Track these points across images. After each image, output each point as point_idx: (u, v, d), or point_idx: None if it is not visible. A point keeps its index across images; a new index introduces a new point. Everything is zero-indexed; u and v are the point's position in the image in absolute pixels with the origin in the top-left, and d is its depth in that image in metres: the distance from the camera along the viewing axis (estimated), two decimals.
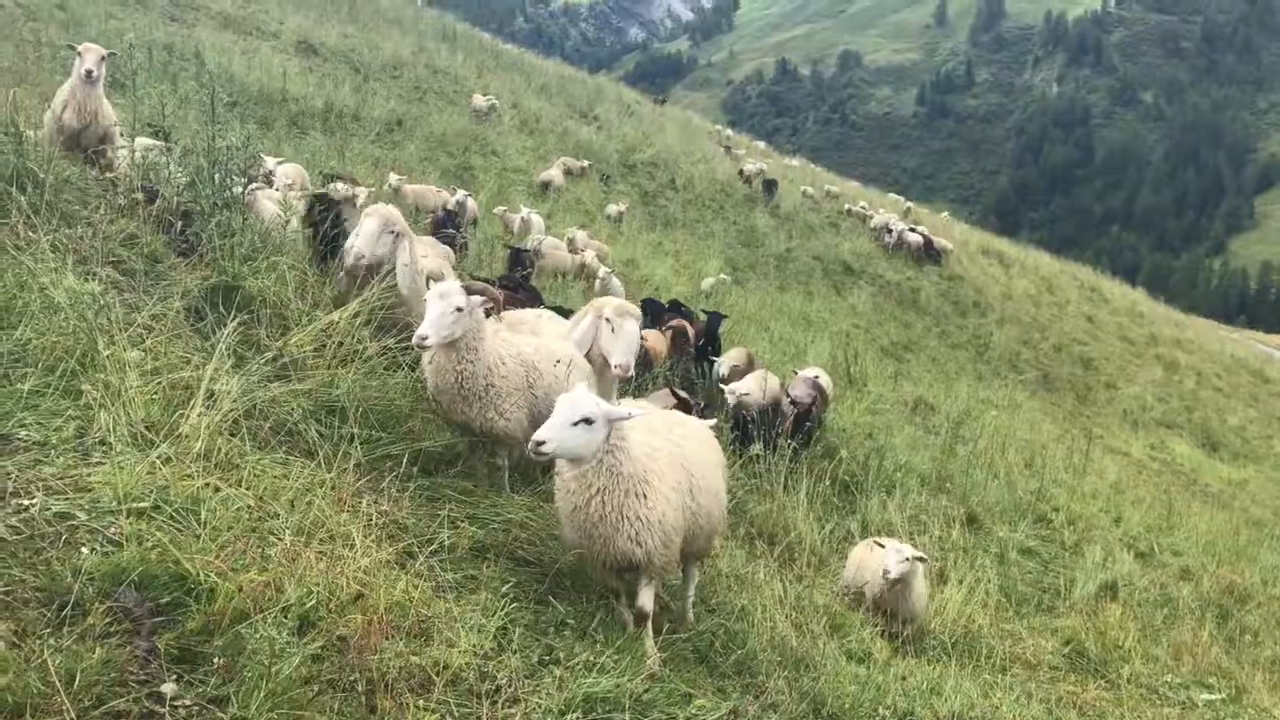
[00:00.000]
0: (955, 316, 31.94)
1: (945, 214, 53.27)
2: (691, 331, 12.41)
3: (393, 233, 6.95)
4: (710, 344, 12.93)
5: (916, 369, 24.38)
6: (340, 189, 8.15)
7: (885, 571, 7.76)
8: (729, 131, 51.87)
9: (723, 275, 22.82)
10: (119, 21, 20.90)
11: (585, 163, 28.03)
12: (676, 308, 14.61)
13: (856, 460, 11.65)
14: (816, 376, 12.28)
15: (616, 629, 5.04)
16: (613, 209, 25.50)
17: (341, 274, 7.36)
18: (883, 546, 7.99)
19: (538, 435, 4.54)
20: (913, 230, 36.51)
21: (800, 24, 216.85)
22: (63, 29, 17.74)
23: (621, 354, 6.87)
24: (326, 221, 7.93)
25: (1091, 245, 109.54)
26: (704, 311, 14.06)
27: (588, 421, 4.64)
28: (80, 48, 8.47)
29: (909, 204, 46.52)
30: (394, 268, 6.94)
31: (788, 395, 11.07)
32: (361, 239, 6.89)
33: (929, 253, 35.37)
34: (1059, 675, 8.58)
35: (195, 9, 26.41)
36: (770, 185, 35.18)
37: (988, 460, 15.35)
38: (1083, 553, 12.17)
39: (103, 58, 8.53)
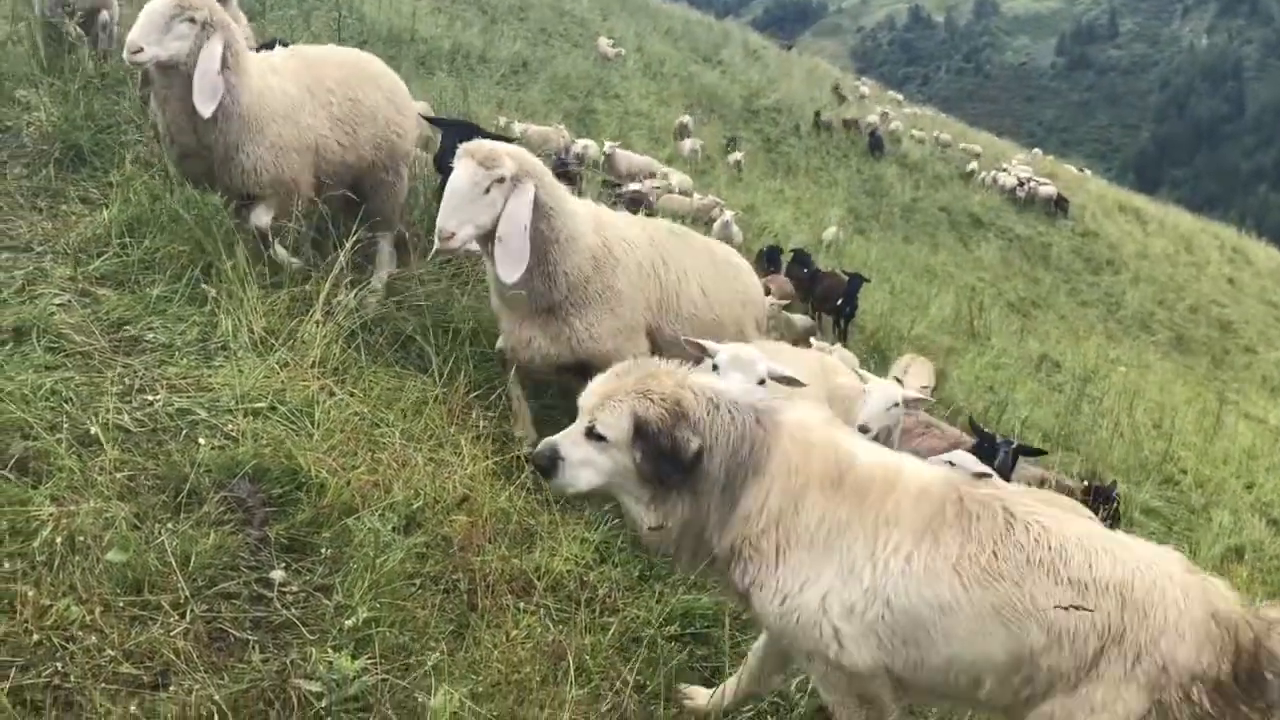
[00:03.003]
0: (1087, 274, 30.82)
1: (1070, 167, 50.92)
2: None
3: (192, 20, 4.91)
4: (849, 305, 13.25)
5: (1043, 325, 23.66)
6: None
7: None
8: (857, 81, 50.44)
9: (844, 224, 22.44)
10: None
11: (687, 121, 25.93)
12: (797, 256, 14.50)
13: (975, 412, 11.36)
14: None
15: None
16: (733, 155, 25.23)
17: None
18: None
19: None
20: (1041, 184, 35.17)
21: None
22: None
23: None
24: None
25: (1237, 205, 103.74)
26: (844, 272, 13.89)
27: None
28: None
29: (1025, 157, 43.90)
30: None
31: None
32: (138, 25, 4.88)
33: (1060, 206, 34.12)
34: None
35: None
36: (876, 141, 33.38)
37: (1114, 419, 14.84)
38: (1210, 516, 11.70)
39: None
